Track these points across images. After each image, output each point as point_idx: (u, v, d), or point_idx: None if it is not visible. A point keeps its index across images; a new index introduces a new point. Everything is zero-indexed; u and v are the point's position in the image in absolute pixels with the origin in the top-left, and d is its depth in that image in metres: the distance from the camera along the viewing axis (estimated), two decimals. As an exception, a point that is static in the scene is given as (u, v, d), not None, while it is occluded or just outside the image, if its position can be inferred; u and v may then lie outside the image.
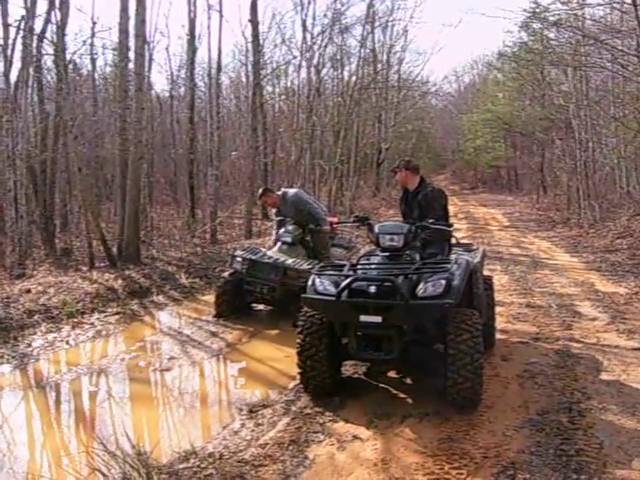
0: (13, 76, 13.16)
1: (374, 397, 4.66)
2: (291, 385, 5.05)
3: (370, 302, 4.15)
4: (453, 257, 4.93)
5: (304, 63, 20.19)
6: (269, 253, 7.58)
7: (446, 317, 4.30)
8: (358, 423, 4.19)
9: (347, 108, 20.69)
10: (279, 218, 8.04)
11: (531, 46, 16.41)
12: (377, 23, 23.63)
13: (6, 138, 11.57)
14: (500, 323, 6.37)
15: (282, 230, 7.77)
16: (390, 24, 24.79)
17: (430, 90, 32.33)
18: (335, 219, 8.88)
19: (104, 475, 3.52)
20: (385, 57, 26.07)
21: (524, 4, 12.59)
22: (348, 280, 4.23)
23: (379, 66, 25.42)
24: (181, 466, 3.67)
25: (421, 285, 4.22)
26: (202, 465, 3.66)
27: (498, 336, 6.00)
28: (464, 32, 34.39)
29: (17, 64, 13.22)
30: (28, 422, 4.86)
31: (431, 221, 4.81)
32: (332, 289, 4.29)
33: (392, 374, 5.07)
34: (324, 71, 21.44)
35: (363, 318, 4.17)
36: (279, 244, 7.67)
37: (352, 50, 23.04)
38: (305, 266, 7.08)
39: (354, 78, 22.87)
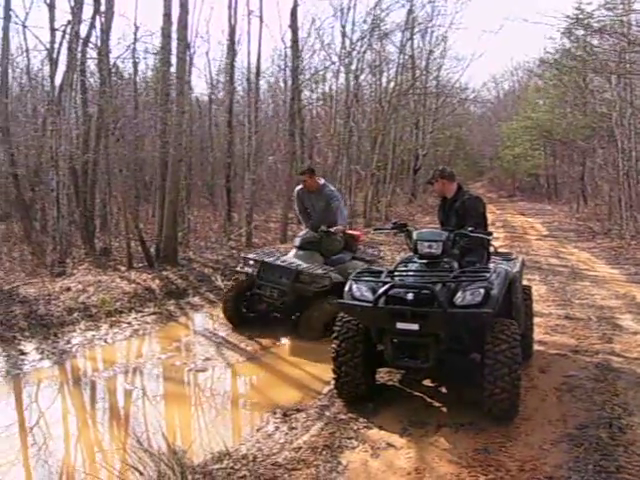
0: (58, 79, 13.53)
1: (408, 405, 4.63)
2: (325, 390, 5.05)
3: (407, 309, 4.12)
4: (492, 266, 4.87)
5: (342, 69, 20.19)
6: (283, 257, 7.33)
7: (484, 326, 4.25)
8: (392, 431, 4.17)
9: (385, 114, 20.64)
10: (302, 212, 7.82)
11: (573, 53, 16.13)
12: (416, 29, 23.44)
13: (50, 139, 11.85)
14: (538, 334, 6.27)
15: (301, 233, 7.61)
16: (430, 30, 24.60)
17: (469, 97, 32.05)
18: (358, 233, 8.51)
19: (140, 473, 3.57)
20: (424, 63, 25.90)
21: (567, 10, 12.43)
22: (386, 287, 4.21)
23: (418, 72, 25.27)
24: (215, 467, 3.70)
25: (459, 293, 4.18)
26: (236, 467, 3.68)
27: (536, 347, 5.91)
28: (504, 38, 34.22)
29: (62, 67, 13.59)
30: (65, 417, 4.96)
31: (470, 229, 4.76)
32: (369, 295, 4.28)
33: (427, 383, 5.03)
34: (362, 77, 21.40)
35: (400, 325, 4.15)
36: (294, 250, 7.41)
37: (391, 56, 22.99)
38: (319, 271, 6.89)
39: (392, 84, 22.81)
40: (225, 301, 7.44)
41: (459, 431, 4.15)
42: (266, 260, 7.13)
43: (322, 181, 7.70)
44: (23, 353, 6.40)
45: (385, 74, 23.84)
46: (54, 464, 4.07)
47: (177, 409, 5.04)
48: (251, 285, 7.24)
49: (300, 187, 7.76)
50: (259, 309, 7.36)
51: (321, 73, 22.03)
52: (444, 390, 4.96)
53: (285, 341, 6.81)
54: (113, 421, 4.82)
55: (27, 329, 6.98)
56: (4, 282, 9.40)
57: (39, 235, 13.47)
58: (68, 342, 6.82)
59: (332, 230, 7.23)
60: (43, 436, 4.53)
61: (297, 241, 7.45)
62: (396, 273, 4.52)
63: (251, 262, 7.29)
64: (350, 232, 8.08)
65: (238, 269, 7.73)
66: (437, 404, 4.68)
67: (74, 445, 4.48)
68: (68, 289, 8.53)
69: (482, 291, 4.15)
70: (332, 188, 7.67)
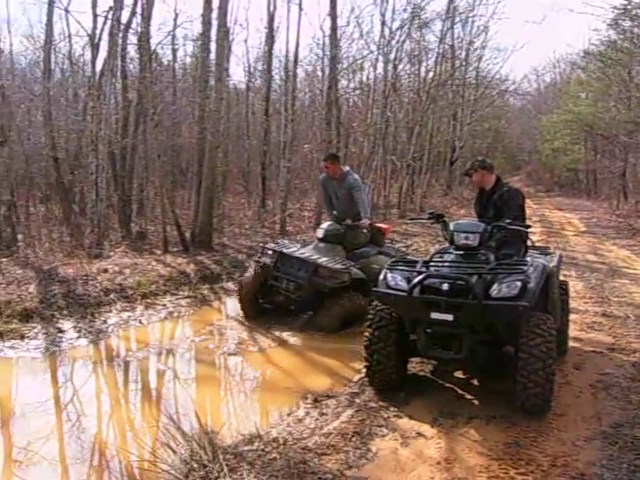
0: (99, 65, 13.75)
1: (440, 396, 4.62)
2: (356, 378, 5.07)
3: (442, 300, 4.10)
4: (529, 259, 4.80)
5: (381, 58, 20.05)
6: (303, 249, 7.06)
7: (519, 320, 4.21)
8: (422, 420, 4.16)
9: (422, 105, 20.45)
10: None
11: (619, 45, 15.71)
12: (457, 19, 23.13)
13: (90, 124, 12.07)
14: (574, 331, 6.17)
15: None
16: (471, 20, 24.22)
17: (509, 88, 31.46)
18: (386, 226, 8.23)
19: (173, 451, 3.64)
20: (464, 53, 25.49)
21: (614, 1, 12.10)
22: (421, 277, 4.19)
23: (457, 62, 24.92)
24: (245, 448, 3.75)
25: (495, 285, 4.14)
26: (266, 449, 3.72)
27: (571, 344, 5.81)
28: (547, 29, 33.41)
29: (102, 53, 13.80)
30: (99, 395, 5.07)
31: (508, 221, 4.70)
32: (404, 285, 4.27)
33: (459, 374, 5.00)
34: (401, 66, 21.20)
35: (434, 315, 4.14)
36: (316, 241, 7.17)
37: (430, 46, 22.73)
38: (338, 266, 6.61)
39: (431, 74, 22.57)
40: (241, 291, 7.23)
41: (490, 424, 4.12)
42: (284, 251, 6.89)
43: (346, 168, 7.46)
44: (61, 331, 6.57)
45: (424, 64, 23.61)
46: (88, 440, 4.17)
47: (209, 391, 5.12)
48: (268, 276, 7.01)
49: (324, 175, 7.56)
50: (276, 301, 7.13)
51: (359, 62, 21.91)
52: (476, 382, 4.93)
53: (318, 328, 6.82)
54: (146, 400, 4.92)
55: (65, 308, 7.16)
56: (44, 262, 9.64)
57: (78, 217, 13.74)
58: (104, 322, 6.98)
59: (357, 224, 7.02)
60: (78, 412, 4.65)
61: (320, 233, 7.20)
62: (431, 263, 4.50)
63: (269, 252, 7.04)
64: (377, 225, 7.82)
65: (256, 259, 7.46)
66: (468, 396, 4.65)
67: (108, 422, 4.58)
68: (105, 270, 8.70)
69: (519, 284, 4.11)
70: (355, 176, 7.37)
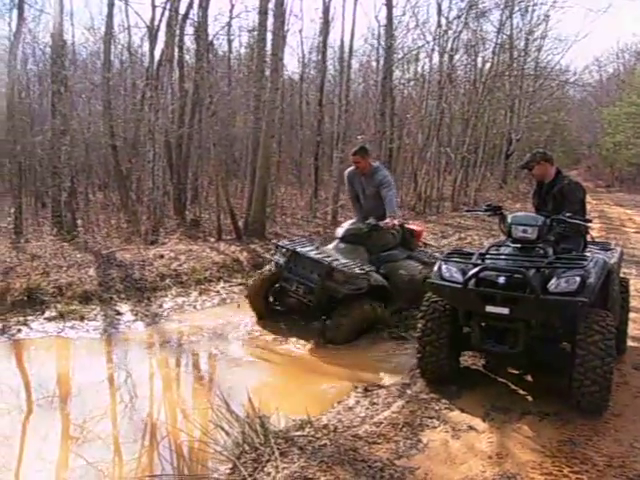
0: (156, 55, 14.05)
1: (492, 390, 4.55)
2: (408, 369, 5.04)
3: (498, 293, 4.04)
4: (589, 254, 4.67)
5: (437, 48, 19.78)
6: (321, 249, 6.44)
7: (577, 316, 4.10)
8: (474, 414, 4.11)
9: (479, 96, 20.06)
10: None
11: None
12: (516, 8, 22.52)
13: (148, 113, 12.34)
14: (633, 330, 5.96)
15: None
16: (530, 9, 23.56)
17: (569, 80, 30.53)
18: (419, 228, 7.55)
19: (226, 433, 3.72)
20: (523, 43, 24.84)
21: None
22: (477, 269, 4.13)
23: (515, 53, 24.32)
24: (296, 433, 3.79)
25: (554, 280, 4.04)
26: (317, 435, 3.75)
27: (630, 343, 5.62)
28: (612, 18, 32.20)
29: (160, 44, 14.08)
30: (153, 376, 5.20)
31: (568, 215, 4.58)
32: (459, 277, 4.21)
33: (512, 369, 4.92)
34: (457, 57, 20.87)
35: (489, 309, 4.07)
36: (336, 241, 6.56)
37: (488, 36, 22.24)
38: (357, 270, 5.94)
39: (488, 65, 22.12)
40: (251, 291, 6.73)
41: (544, 420, 4.05)
42: (297, 250, 6.22)
43: (376, 163, 6.89)
44: (119, 313, 6.79)
45: (481, 54, 23.12)
46: (141, 420, 4.30)
47: (260, 376, 5.18)
48: (279, 277, 6.45)
49: (351, 169, 6.93)
50: (288, 303, 6.58)
51: (414, 52, 21.65)
52: (529, 378, 4.83)
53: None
54: (199, 383, 5.03)
55: (123, 291, 7.39)
56: (102, 247, 9.98)
57: (135, 205, 14.09)
58: (160, 306, 7.16)
59: (381, 224, 6.38)
60: (132, 393, 4.79)
61: (340, 232, 6.61)
62: (488, 256, 4.43)
63: (283, 250, 6.42)
64: (410, 226, 7.29)
65: (269, 256, 6.93)
66: (522, 392, 4.57)
67: (161, 402, 4.71)
68: (161, 256, 8.92)
69: (578, 279, 4.00)
70: (385, 173, 6.74)
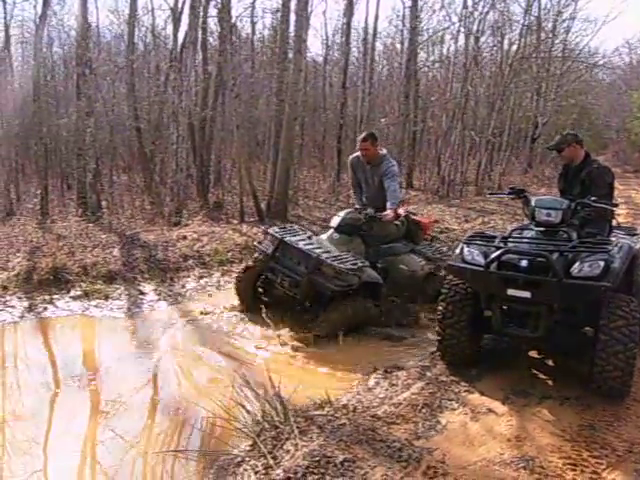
0: (180, 38, 14.08)
1: (512, 374, 4.53)
2: (428, 352, 5.05)
3: (521, 276, 4.00)
4: (613, 239, 4.61)
5: (462, 30, 19.52)
6: (313, 239, 5.98)
7: (601, 300, 4.05)
8: (494, 397, 4.11)
9: (505, 79, 19.76)
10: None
11: None
12: (545, -12, 22.17)
13: (171, 95, 12.40)
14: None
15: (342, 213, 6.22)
16: (559, -12, 23.11)
17: (598, 62, 29.88)
18: (427, 220, 7.15)
19: (246, 410, 3.77)
20: (551, 25, 24.36)
21: None
22: (499, 252, 4.10)
23: (543, 34, 23.87)
24: (316, 412, 3.83)
25: (577, 264, 3.99)
26: (336, 414, 3.79)
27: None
28: (644, -1, 31.29)
29: (184, 27, 14.10)
30: (177, 354, 5.24)
31: (593, 198, 4.51)
32: (481, 259, 4.18)
33: (533, 353, 4.89)
34: (483, 39, 20.57)
35: (511, 292, 4.05)
36: (330, 231, 6.10)
37: (515, 17, 21.86)
38: (348, 265, 5.43)
39: (515, 47, 21.74)
40: (238, 280, 6.34)
41: (564, 405, 4.02)
42: (285, 239, 5.78)
43: (384, 151, 6.31)
44: (142, 293, 6.88)
45: (507, 36, 22.75)
46: (164, 396, 4.38)
47: (280, 356, 5.18)
48: (265, 267, 6.04)
49: (356, 155, 6.41)
50: (275, 295, 6.12)
51: (440, 34, 21.41)
52: (550, 362, 4.81)
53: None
54: (221, 361, 5.05)
55: (146, 272, 7.49)
56: (126, 228, 10.11)
57: (158, 186, 14.21)
58: (183, 286, 7.24)
59: (379, 216, 5.96)
60: (156, 370, 4.86)
61: (335, 221, 6.12)
62: (510, 239, 4.39)
63: (271, 238, 6.00)
64: (416, 218, 6.81)
65: (256, 244, 6.46)
66: (542, 376, 4.55)
67: (183, 380, 4.75)
68: (184, 237, 9.00)
69: (602, 263, 3.94)
70: (392, 162, 6.22)
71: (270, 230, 6.19)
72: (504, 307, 4.24)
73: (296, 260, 5.64)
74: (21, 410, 4.08)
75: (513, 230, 4.66)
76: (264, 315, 5.11)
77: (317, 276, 5.47)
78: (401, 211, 6.30)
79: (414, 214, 6.98)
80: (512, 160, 26.09)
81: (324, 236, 6.10)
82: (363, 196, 6.51)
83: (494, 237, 4.44)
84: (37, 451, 3.58)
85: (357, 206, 6.41)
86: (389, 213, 5.89)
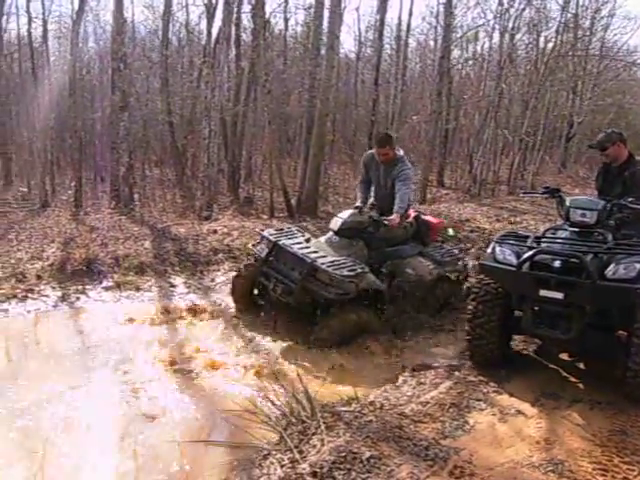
0: (213, 33, 14.18)
1: (542, 376, 4.48)
2: (456, 351, 5.01)
3: (553, 277, 3.94)
4: (650, 242, 4.50)
5: (497, 27, 19.27)
6: (313, 242, 5.71)
7: (635, 304, 3.97)
8: (523, 399, 4.07)
9: (540, 77, 19.45)
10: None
11: None
12: (583, -16, 21.72)
13: (204, 90, 12.50)
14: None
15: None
16: (598, -15, 22.66)
17: (637, 61, 29.21)
18: (436, 220, 6.60)
19: (273, 404, 3.79)
20: (588, 22, 23.89)
21: None
22: (531, 252, 4.04)
23: (580, 32, 23.41)
24: (343, 409, 3.84)
25: (612, 266, 3.91)
26: (363, 411, 3.79)
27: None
28: (686, -4, 30.50)
29: (217, 22, 14.20)
30: (206, 345, 5.22)
31: (630, 199, 4.42)
32: (513, 259, 4.13)
33: (564, 356, 4.82)
34: (518, 36, 20.24)
35: (543, 293, 3.99)
36: (330, 233, 5.78)
37: (551, 14, 21.49)
38: (344, 271, 5.10)
39: (551, 45, 21.36)
40: (234, 283, 6.12)
41: (595, 409, 3.96)
42: (279, 242, 5.52)
43: (400, 152, 5.95)
44: (173, 285, 6.96)
45: (544, 34, 22.37)
46: (193, 387, 4.39)
47: (310, 351, 5.17)
48: (258, 271, 5.77)
49: (371, 152, 6.10)
50: (271, 299, 5.76)
51: (474, 32, 21.17)
52: (582, 365, 4.74)
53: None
54: (249, 354, 5.05)
55: (177, 264, 7.57)
56: (158, 221, 10.23)
57: (189, 181, 14.35)
58: (212, 280, 7.30)
59: (384, 221, 5.63)
60: (185, 361, 4.87)
61: (335, 224, 5.73)
62: (543, 239, 4.32)
63: (265, 240, 5.76)
64: (425, 218, 6.39)
65: (250, 246, 6.27)
66: (573, 379, 4.48)
67: (213, 371, 4.73)
68: (214, 232, 9.07)
69: (637, 266, 3.85)
70: (407, 165, 5.87)
71: (264, 232, 5.97)
72: (535, 308, 4.18)
73: (290, 265, 5.36)
74: (52, 395, 4.14)
75: (546, 230, 4.59)
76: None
77: (311, 283, 5.17)
78: (411, 212, 6.10)
79: (423, 213, 6.67)
80: (546, 160, 25.68)
81: (323, 239, 5.81)
82: (372, 195, 6.15)
83: (527, 237, 4.38)
84: (77, 433, 3.63)
85: (358, 204, 6.03)
86: (395, 218, 5.57)
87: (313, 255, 5.28)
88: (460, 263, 6.47)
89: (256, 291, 6.04)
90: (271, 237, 5.64)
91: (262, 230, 6.44)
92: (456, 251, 6.64)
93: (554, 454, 3.40)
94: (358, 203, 6.06)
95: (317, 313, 5.40)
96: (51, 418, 3.81)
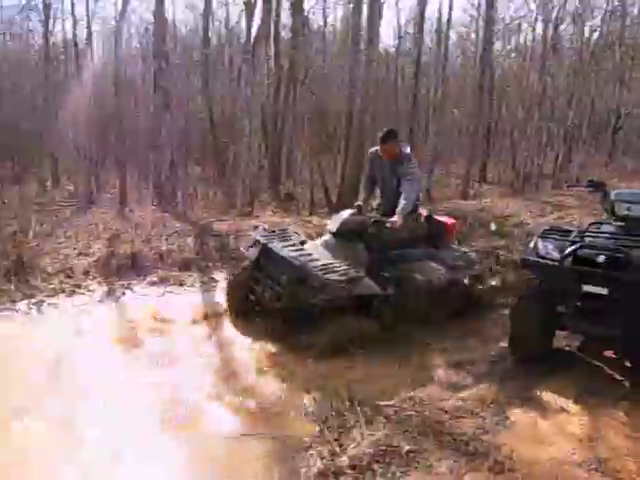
0: (253, 31, 14.27)
1: (586, 373, 4.38)
2: (497, 347, 4.95)
3: (597, 272, 3.87)
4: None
5: (541, 18, 18.88)
6: (309, 245, 5.36)
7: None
8: (566, 396, 3.99)
9: (585, 68, 19.01)
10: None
11: None
12: (631, -28, 21.11)
13: (245, 88, 12.62)
14: None
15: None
16: (647, -28, 21.96)
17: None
18: (450, 221, 6.03)
19: (314, 398, 3.83)
20: (637, 10, 23.23)
21: None
22: (574, 246, 3.98)
23: (628, 20, 22.77)
24: (382, 403, 3.85)
25: (658, 261, 3.82)
26: (403, 406, 3.80)
27: None
28: None
29: (257, 20, 14.29)
30: (246, 338, 5.23)
31: (679, 192, 4.30)
32: (555, 254, 4.07)
33: (609, 353, 4.72)
34: (562, 27, 19.84)
35: (586, 288, 3.92)
36: (327, 236, 5.41)
37: (597, 3, 20.94)
38: (335, 276, 4.71)
39: (596, 34, 20.87)
40: (229, 286, 5.79)
41: (640, 407, 3.88)
42: (269, 245, 5.19)
43: (407, 150, 5.52)
44: (215, 281, 7.05)
45: (589, 23, 21.84)
46: (234, 379, 4.40)
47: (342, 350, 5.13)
48: (248, 275, 5.46)
49: (377, 147, 5.68)
50: (267, 305, 5.28)
51: (516, 23, 20.79)
52: (628, 364, 4.62)
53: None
54: (289, 347, 5.03)
55: (218, 260, 7.67)
56: (200, 218, 10.38)
57: (230, 178, 14.52)
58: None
59: (385, 222, 5.17)
60: (226, 354, 4.90)
61: (333, 224, 5.38)
62: (587, 234, 4.24)
63: (256, 242, 5.41)
64: (439, 218, 5.92)
65: (242, 249, 5.89)
66: (618, 377, 4.37)
67: (253, 363, 4.74)
68: (255, 227, 9.15)
69: (685, 261, 3.76)
70: (413, 163, 5.44)
71: (255, 235, 5.63)
72: (578, 303, 4.11)
73: (280, 269, 4.95)
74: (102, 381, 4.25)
75: (591, 224, 4.50)
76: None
77: (300, 288, 4.75)
78: (423, 212, 5.72)
79: (436, 213, 6.15)
80: (591, 152, 25.07)
81: (319, 241, 5.44)
82: (377, 193, 5.83)
83: (570, 231, 4.31)
84: (125, 421, 3.73)
85: (359, 203, 5.68)
86: (396, 220, 5.10)
87: (303, 258, 4.92)
88: (476, 267, 5.99)
89: (252, 296, 5.55)
90: (261, 239, 5.34)
91: (269, 228, 6.28)
92: (473, 255, 6.16)
93: (598, 452, 3.35)
94: (359, 202, 5.72)
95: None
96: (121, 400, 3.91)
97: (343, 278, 4.71)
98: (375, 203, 5.75)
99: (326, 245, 5.25)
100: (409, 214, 5.31)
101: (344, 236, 5.23)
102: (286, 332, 5.02)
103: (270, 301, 5.04)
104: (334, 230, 5.30)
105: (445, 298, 5.43)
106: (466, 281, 5.74)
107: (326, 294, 4.69)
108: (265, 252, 5.20)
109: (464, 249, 6.14)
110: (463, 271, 5.69)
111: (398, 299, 5.10)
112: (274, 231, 5.76)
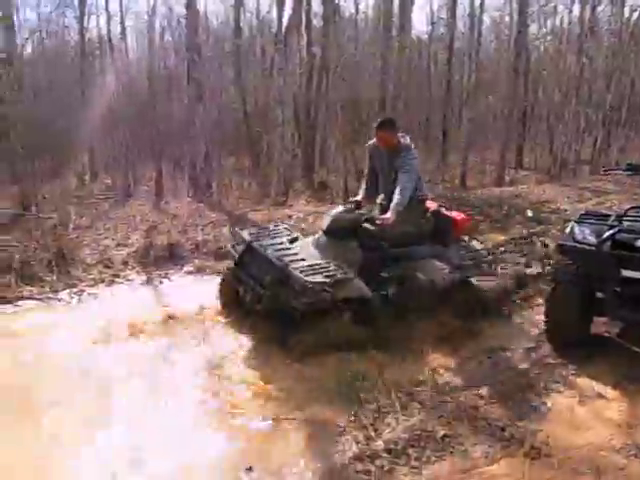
0: (284, 20, 14.29)
1: (625, 360, 4.31)
2: (533, 333, 4.90)
3: (636, 256, 3.80)
4: None
5: (578, -1, 18.42)
6: (299, 243, 5.03)
7: None
8: (604, 382, 3.96)
9: (624, 49, 18.49)
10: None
11: None
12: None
13: (277, 78, 12.66)
14: None
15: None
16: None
17: None
18: (460, 216, 5.49)
19: (349, 383, 3.87)
20: (679, -12, 22.51)
21: None
22: (612, 230, 3.91)
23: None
24: (417, 389, 3.87)
25: (700, 245, 3.73)
26: (438, 391, 3.83)
27: None
28: None
29: (288, 10, 14.30)
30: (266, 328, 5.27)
31: None
32: (592, 239, 4.01)
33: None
34: (600, 8, 19.29)
35: (625, 273, 3.85)
36: (319, 233, 5.06)
37: (638, -18, 20.32)
38: (318, 277, 4.32)
39: (636, 14, 20.25)
40: (221, 283, 5.47)
41: (682, 394, 3.81)
42: (253, 243, 4.89)
43: (407, 140, 5.15)
44: (250, 270, 7.11)
45: (628, 3, 21.26)
46: (267, 365, 4.43)
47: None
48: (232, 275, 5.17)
49: (374, 140, 5.30)
50: (249, 306, 4.96)
51: (552, 5, 20.33)
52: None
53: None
54: (323, 333, 5.03)
55: (254, 250, 7.73)
56: (235, 208, 10.49)
57: (264, 168, 14.59)
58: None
59: (376, 220, 4.83)
60: (263, 339, 4.90)
61: (325, 222, 5.02)
62: (626, 218, 4.16)
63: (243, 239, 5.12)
64: (447, 213, 5.42)
65: (229, 247, 5.50)
66: (658, 363, 4.31)
67: (287, 348, 4.76)
68: (289, 217, 9.21)
69: None
70: (411, 154, 5.02)
71: (240, 231, 5.32)
72: (617, 289, 4.04)
73: (263, 270, 4.62)
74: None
75: (629, 209, 4.40)
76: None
77: (282, 290, 4.44)
78: (431, 205, 5.33)
79: (445, 208, 5.61)
80: (631, 136, 24.44)
81: (310, 239, 5.09)
82: (371, 186, 5.45)
83: (608, 216, 4.23)
84: (155, 413, 3.82)
85: (358, 198, 5.36)
86: (389, 217, 4.70)
87: (287, 258, 4.59)
88: (486, 267, 5.64)
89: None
90: (246, 236, 5.06)
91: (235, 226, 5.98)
92: (484, 252, 5.73)
93: (636, 438, 3.32)
94: (358, 197, 5.41)
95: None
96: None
97: (327, 280, 4.33)
98: (380, 198, 5.35)
99: (316, 244, 4.93)
100: (414, 207, 5.01)
101: (335, 234, 4.88)
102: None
103: (251, 302, 4.76)
104: (324, 228, 4.99)
105: (449, 300, 5.05)
106: (474, 281, 5.34)
107: (308, 297, 4.33)
108: (249, 251, 4.90)
109: (478, 246, 5.68)
110: (472, 271, 5.33)
111: (399, 299, 4.84)
112: (264, 227, 5.57)
